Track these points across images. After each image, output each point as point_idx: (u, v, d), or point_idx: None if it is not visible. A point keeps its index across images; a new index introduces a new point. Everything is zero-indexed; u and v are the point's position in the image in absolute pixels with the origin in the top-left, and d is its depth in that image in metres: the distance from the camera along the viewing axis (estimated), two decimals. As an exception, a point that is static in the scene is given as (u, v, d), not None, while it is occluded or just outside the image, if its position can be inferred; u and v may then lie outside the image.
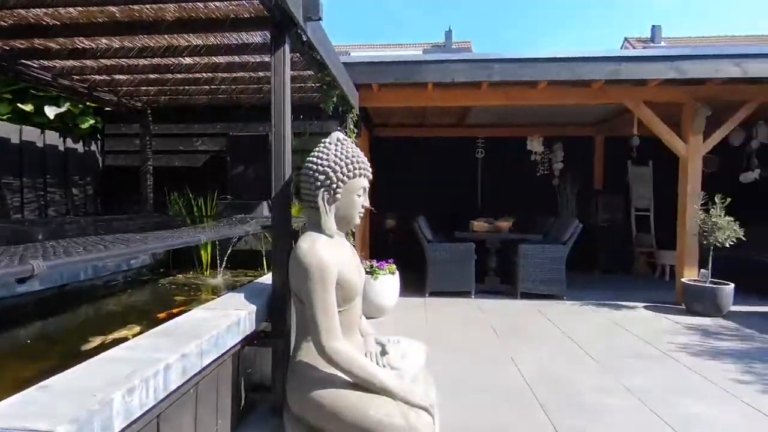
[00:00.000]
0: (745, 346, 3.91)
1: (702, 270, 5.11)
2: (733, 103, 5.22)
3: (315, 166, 1.84)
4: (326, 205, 1.83)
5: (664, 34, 21.74)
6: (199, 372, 1.49)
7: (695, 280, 5.14)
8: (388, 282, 4.67)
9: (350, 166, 1.86)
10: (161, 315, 2.30)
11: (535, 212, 7.41)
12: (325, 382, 1.69)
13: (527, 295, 5.65)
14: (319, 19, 2.25)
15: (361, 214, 1.98)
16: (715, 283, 4.93)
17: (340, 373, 1.68)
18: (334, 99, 3.89)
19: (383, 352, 2.03)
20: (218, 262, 3.75)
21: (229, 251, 3.71)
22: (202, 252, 3.97)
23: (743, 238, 4.86)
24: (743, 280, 5.51)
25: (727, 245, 4.86)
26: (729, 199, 4.87)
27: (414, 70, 5.05)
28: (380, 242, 7.82)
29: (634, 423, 2.54)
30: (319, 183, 1.82)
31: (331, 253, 1.75)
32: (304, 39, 2.34)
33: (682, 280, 5.24)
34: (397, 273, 4.84)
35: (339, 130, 2.25)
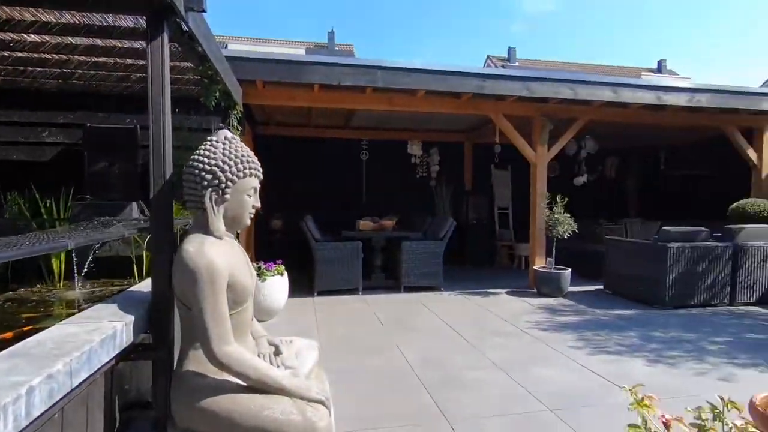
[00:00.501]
0: (578, 319, 4.78)
1: (548, 258, 6.08)
2: (568, 119, 6.30)
3: (201, 165, 1.76)
4: (214, 205, 1.77)
5: (518, 56, 25.04)
6: (68, 394, 1.33)
7: (543, 268, 6.09)
8: (277, 283, 4.59)
9: (240, 166, 1.82)
10: (5, 335, 1.95)
11: (415, 211, 7.95)
12: (216, 389, 1.64)
13: (410, 288, 6.06)
14: (203, 10, 2.15)
15: (251, 215, 1.96)
16: (558, 269, 5.92)
17: (232, 378, 1.65)
18: (216, 94, 3.69)
19: (277, 353, 2.03)
20: (75, 271, 3.27)
21: (90, 258, 3.26)
22: (54, 261, 3.41)
23: (576, 231, 5.92)
24: (577, 265, 6.71)
25: (566, 237, 5.87)
26: (567, 199, 5.88)
27: (302, 70, 5.04)
28: (266, 243, 7.59)
29: (500, 389, 2.96)
30: (206, 183, 1.75)
31: (220, 255, 1.70)
32: (185, 29, 2.21)
33: (534, 268, 6.16)
34: (286, 274, 4.78)
35: (222, 127, 2.18)
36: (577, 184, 8.32)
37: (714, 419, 1.33)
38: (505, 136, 6.28)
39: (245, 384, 1.65)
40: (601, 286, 6.33)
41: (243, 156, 1.85)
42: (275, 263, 4.74)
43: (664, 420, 1.38)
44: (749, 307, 5.38)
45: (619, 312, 5.09)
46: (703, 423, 1.35)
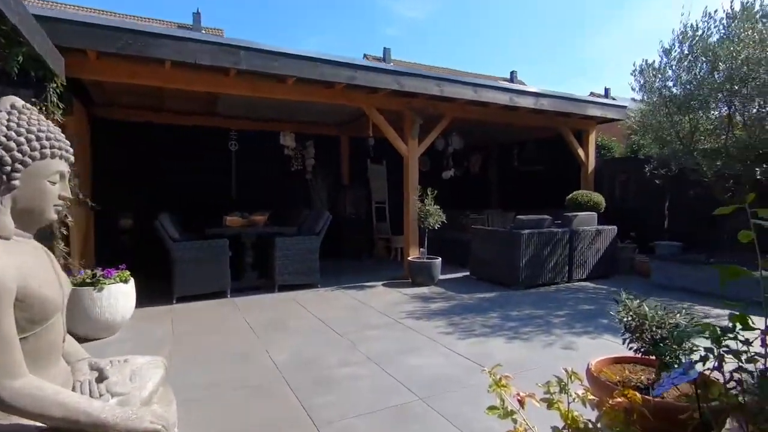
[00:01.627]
0: (448, 305, 5.02)
1: (421, 249, 6.32)
2: (436, 115, 6.61)
3: (-30, 142, 1.27)
4: (-5, 195, 1.30)
5: (393, 57, 25.96)
6: None
7: (417, 258, 6.30)
8: (119, 292, 3.87)
9: (35, 144, 1.37)
10: None
11: (290, 205, 7.59)
12: (-3, 440, 1.20)
13: (285, 287, 5.73)
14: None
15: (59, 207, 1.50)
16: (430, 259, 6.18)
17: (27, 422, 1.22)
18: (19, 58, 2.92)
19: (101, 378, 1.61)
20: None
21: None
22: None
23: (446, 222, 6.24)
24: (447, 254, 7.12)
25: (436, 228, 6.15)
26: (436, 192, 6.17)
27: (148, 43, 4.32)
28: (113, 246, 6.49)
29: (372, 383, 2.88)
30: (-20, 165, 1.27)
31: (5, 261, 1.25)
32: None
33: (408, 258, 6.34)
34: (132, 280, 4.07)
35: (36, 102, 1.64)
36: (446, 177, 8.87)
37: (561, 392, 1.39)
38: (379, 129, 6.33)
39: (49, 427, 1.24)
40: (468, 273, 6.81)
41: (41, 132, 1.39)
42: (117, 268, 4.00)
43: (518, 398, 1.40)
44: (582, 282, 6.30)
45: (483, 295, 5.51)
46: (551, 396, 1.39)
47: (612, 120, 7.98)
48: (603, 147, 9.04)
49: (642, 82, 6.14)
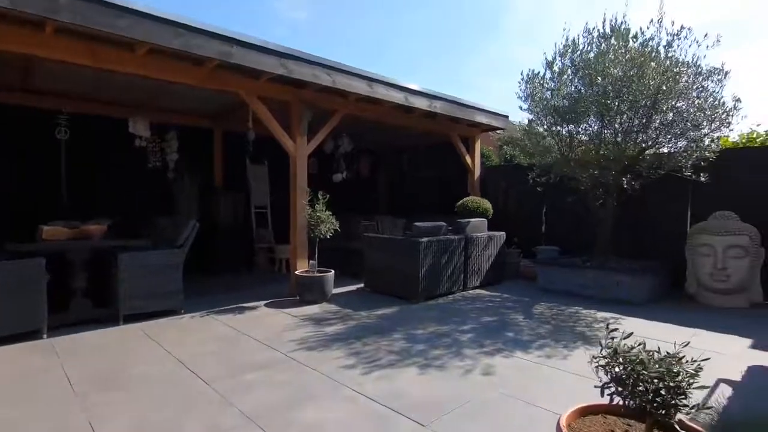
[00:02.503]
0: (345, 327, 4.33)
1: (311, 261, 5.52)
2: (327, 111, 5.90)
3: None
4: None
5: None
6: None
7: (306, 272, 5.48)
8: None
9: None
10: None
11: (144, 212, 6.12)
12: None
13: (133, 317, 4.41)
14: None
15: None
16: (321, 272, 5.42)
17: None
18: None
19: None
20: None
21: None
22: None
23: (339, 230, 5.56)
24: (339, 264, 6.44)
25: (328, 236, 5.43)
26: (328, 195, 5.45)
27: None
28: None
29: (256, 469, 2.03)
30: None
31: None
32: None
33: (296, 272, 5.49)
34: None
35: None
36: (336, 180, 8.20)
37: None
38: (262, 123, 5.37)
39: None
40: (362, 285, 6.22)
41: None
42: None
43: None
44: (477, 290, 6.18)
45: (382, 311, 4.95)
46: None
47: (496, 128, 8.23)
48: (482, 155, 9.35)
49: (528, 91, 6.30)
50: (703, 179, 5.35)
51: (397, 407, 2.60)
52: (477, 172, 8.38)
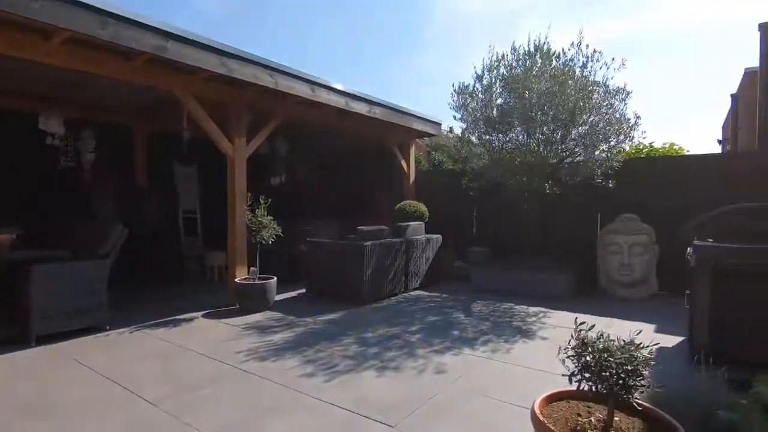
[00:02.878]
0: (294, 335, 4.25)
1: (252, 268, 5.32)
2: (266, 113, 5.73)
3: None
4: None
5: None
6: None
7: (246, 279, 5.27)
8: None
9: None
10: None
11: (57, 217, 5.46)
12: None
13: (50, 338, 3.91)
14: None
15: None
16: (263, 279, 5.25)
17: None
18: None
19: None
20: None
21: None
22: None
23: (281, 234, 5.42)
24: (278, 270, 6.26)
25: (270, 242, 5.27)
26: (270, 200, 5.29)
27: None
28: None
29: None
30: None
31: None
32: None
33: (236, 280, 5.25)
34: None
35: None
36: (274, 184, 7.96)
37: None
38: (196, 123, 5.07)
39: None
40: (304, 290, 6.12)
41: None
42: None
43: None
44: (418, 291, 6.39)
45: (329, 317, 4.92)
46: None
47: (430, 135, 8.57)
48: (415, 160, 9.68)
49: (460, 102, 6.67)
50: (611, 185, 6.08)
51: (363, 411, 2.63)
52: (412, 177, 8.65)
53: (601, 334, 1.69)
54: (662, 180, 6.31)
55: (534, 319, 4.83)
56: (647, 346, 1.63)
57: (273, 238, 5.29)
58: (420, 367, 3.39)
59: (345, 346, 3.89)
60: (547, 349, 3.80)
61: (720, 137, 12.04)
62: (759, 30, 4.99)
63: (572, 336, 1.75)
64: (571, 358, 1.68)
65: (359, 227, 5.75)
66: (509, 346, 3.87)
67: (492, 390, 2.94)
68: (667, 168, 6.50)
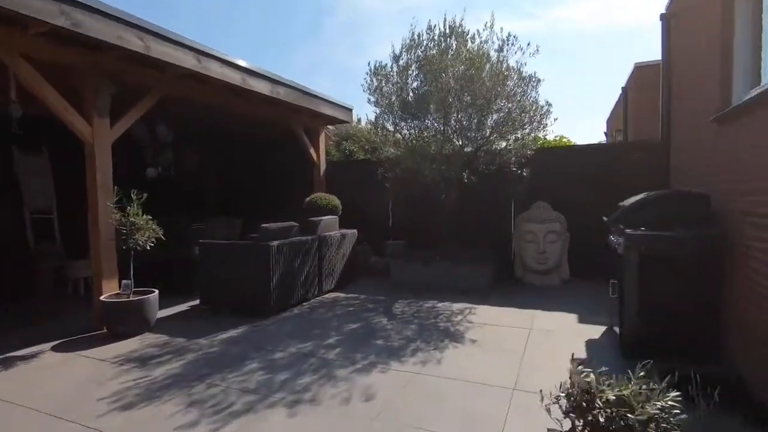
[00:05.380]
0: (180, 364, 3.37)
1: (124, 281, 4.23)
2: (137, 89, 4.61)
3: None
4: None
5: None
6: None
7: (117, 295, 4.18)
8: None
9: None
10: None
11: None
12: None
13: None
14: None
15: None
16: (140, 293, 4.21)
17: None
18: None
19: None
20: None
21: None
22: None
23: (163, 237, 4.40)
24: (163, 280, 5.18)
25: (148, 247, 4.23)
26: (145, 195, 4.24)
27: None
28: None
29: None
30: None
31: None
32: None
33: (101, 298, 4.13)
34: None
35: None
36: (150, 176, 6.63)
37: None
38: (34, 95, 3.82)
39: None
40: (198, 302, 5.14)
41: None
42: None
43: None
44: (333, 293, 5.76)
45: (229, 335, 4.09)
46: None
47: (341, 121, 7.92)
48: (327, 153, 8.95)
49: (375, 84, 6.13)
50: (525, 174, 6.03)
51: (271, 478, 1.96)
52: (322, 167, 7.94)
53: (602, 375, 1.23)
54: (570, 169, 6.46)
55: (460, 317, 4.51)
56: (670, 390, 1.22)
57: (152, 242, 4.26)
58: (343, 394, 2.79)
59: (246, 375, 3.14)
60: (480, 355, 3.45)
61: (605, 130, 13.20)
62: (661, 20, 5.16)
63: (564, 384, 1.28)
64: (569, 415, 1.21)
65: (263, 225, 4.92)
66: (440, 355, 3.45)
67: (435, 420, 2.45)
68: (576, 157, 6.65)
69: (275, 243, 4.74)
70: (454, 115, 5.97)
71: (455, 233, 6.48)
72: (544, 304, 4.95)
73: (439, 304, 5.04)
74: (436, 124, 6.16)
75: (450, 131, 6.07)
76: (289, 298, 4.98)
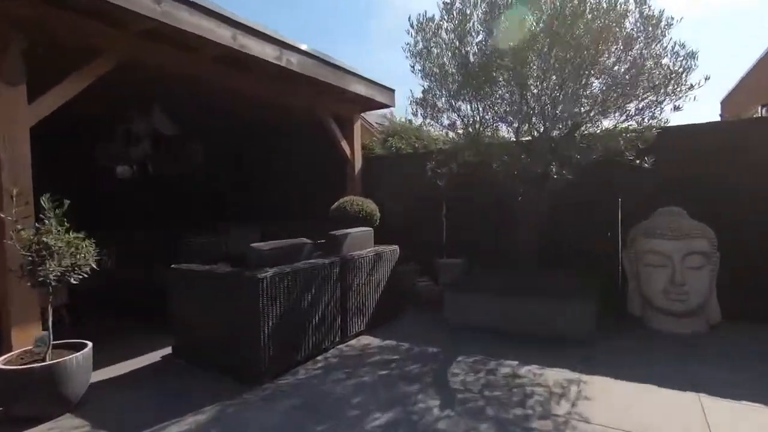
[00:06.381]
0: None
1: (38, 334, 2.80)
2: (83, 46, 3.22)
3: None
4: None
5: None
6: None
7: (21, 356, 2.76)
8: None
9: None
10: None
11: None
12: None
13: None
14: None
15: None
16: (63, 350, 2.76)
17: None
18: None
19: None
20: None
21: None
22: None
23: (108, 262, 2.93)
24: (149, 311, 3.78)
25: (73, 281, 2.77)
26: (68, 203, 2.79)
27: None
28: None
29: None
30: None
31: None
32: None
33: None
34: None
35: None
36: (122, 176, 5.28)
37: None
38: None
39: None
40: (170, 351, 3.66)
41: None
42: None
43: None
44: (363, 339, 4.07)
45: (185, 424, 2.52)
46: None
47: (380, 105, 6.25)
48: (365, 148, 7.29)
49: (421, 45, 4.41)
50: (647, 164, 4.02)
51: None
52: (358, 164, 6.33)
53: None
54: (717, 157, 4.33)
55: (566, 406, 2.65)
56: None
57: (84, 273, 2.79)
58: None
59: None
60: None
61: (720, 112, 10.57)
62: None
63: None
64: None
65: (252, 245, 3.33)
66: None
67: None
68: (727, 137, 4.42)
69: (269, 272, 3.13)
70: (537, 84, 4.14)
71: (533, 250, 4.58)
72: (701, 375, 2.95)
73: (523, 370, 3.19)
74: (508, 96, 4.32)
75: (529, 107, 4.21)
76: (294, 353, 3.36)
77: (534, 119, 4.31)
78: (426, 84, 4.58)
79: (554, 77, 3.99)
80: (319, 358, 3.58)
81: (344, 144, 6.10)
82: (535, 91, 4.19)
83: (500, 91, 4.34)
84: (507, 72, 4.15)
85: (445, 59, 4.43)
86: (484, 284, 4.43)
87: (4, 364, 2.61)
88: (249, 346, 3.07)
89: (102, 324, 4.38)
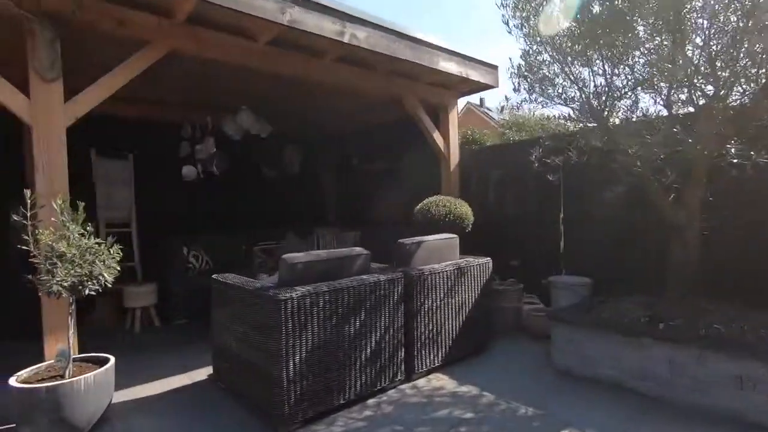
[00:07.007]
0: None
1: (59, 347, 2.59)
2: (128, 37, 3.01)
3: None
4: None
5: None
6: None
7: (36, 373, 2.57)
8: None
9: None
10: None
11: None
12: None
13: None
14: None
15: None
16: (81, 368, 2.51)
17: None
18: None
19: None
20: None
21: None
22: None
23: (108, 281, 2.60)
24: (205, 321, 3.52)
25: (86, 293, 2.49)
26: (83, 204, 2.52)
27: None
28: None
29: None
30: None
31: None
32: None
33: (12, 379, 2.57)
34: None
35: None
36: (187, 178, 5.01)
37: None
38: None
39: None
40: (211, 373, 3.26)
41: None
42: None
43: None
44: (435, 378, 3.15)
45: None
46: None
47: (480, 86, 5.18)
48: (474, 142, 6.21)
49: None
50: None
51: None
52: (454, 160, 5.36)
53: None
54: None
55: None
56: None
57: (99, 285, 2.51)
58: None
59: None
60: None
61: None
62: None
63: None
64: None
65: (284, 256, 2.70)
66: None
67: None
68: None
69: (297, 292, 2.46)
70: (702, 29, 2.80)
71: (700, 269, 3.07)
72: None
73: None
74: (656, 51, 2.98)
75: (690, 64, 2.82)
76: (333, 394, 2.63)
77: (698, 79, 2.88)
78: (527, 46, 3.48)
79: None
80: (370, 402, 2.79)
81: (436, 136, 5.21)
82: (699, 41, 2.81)
83: (641, 49, 3.02)
84: (651, 16, 2.85)
85: (556, 12, 3.29)
86: (620, 323, 3.09)
87: (20, 381, 2.42)
88: (272, 382, 2.44)
89: (178, 331, 4.31)
